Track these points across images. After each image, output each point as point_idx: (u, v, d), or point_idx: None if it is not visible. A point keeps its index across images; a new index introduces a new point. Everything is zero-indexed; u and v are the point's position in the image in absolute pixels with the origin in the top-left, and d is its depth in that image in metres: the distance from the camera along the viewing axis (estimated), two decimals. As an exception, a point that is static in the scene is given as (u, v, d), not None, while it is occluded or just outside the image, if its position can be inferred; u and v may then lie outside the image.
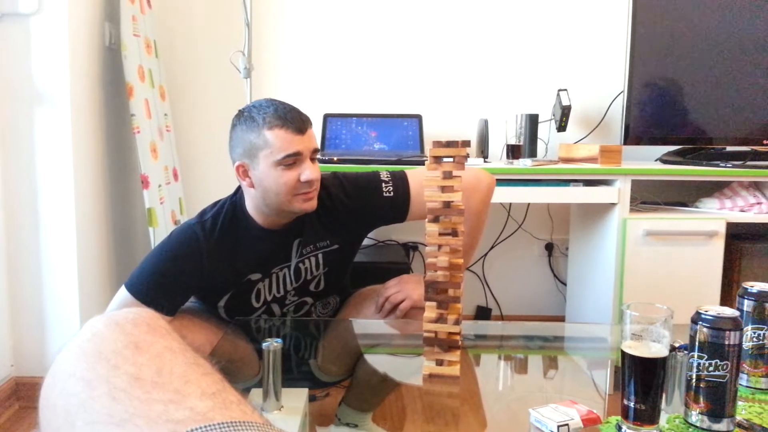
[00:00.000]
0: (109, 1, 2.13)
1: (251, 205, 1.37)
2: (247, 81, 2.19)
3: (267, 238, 1.38)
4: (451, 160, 1.05)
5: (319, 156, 1.39)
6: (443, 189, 1.05)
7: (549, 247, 2.67)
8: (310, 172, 1.29)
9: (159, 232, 2.07)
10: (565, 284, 2.62)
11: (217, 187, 2.53)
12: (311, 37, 2.54)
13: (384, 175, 1.44)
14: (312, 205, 1.34)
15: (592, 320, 2.27)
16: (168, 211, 2.21)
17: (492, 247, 2.65)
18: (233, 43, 2.31)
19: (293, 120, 1.28)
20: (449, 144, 1.04)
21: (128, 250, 2.32)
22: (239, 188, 1.41)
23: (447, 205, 1.06)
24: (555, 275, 2.68)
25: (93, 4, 2.04)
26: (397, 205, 1.42)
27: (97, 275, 2.07)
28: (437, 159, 1.05)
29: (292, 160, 1.28)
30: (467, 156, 1.03)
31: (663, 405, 0.93)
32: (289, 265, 1.41)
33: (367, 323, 1.47)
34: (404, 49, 2.55)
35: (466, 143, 1.04)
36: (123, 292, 1.32)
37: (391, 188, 1.42)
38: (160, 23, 2.43)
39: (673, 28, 2.20)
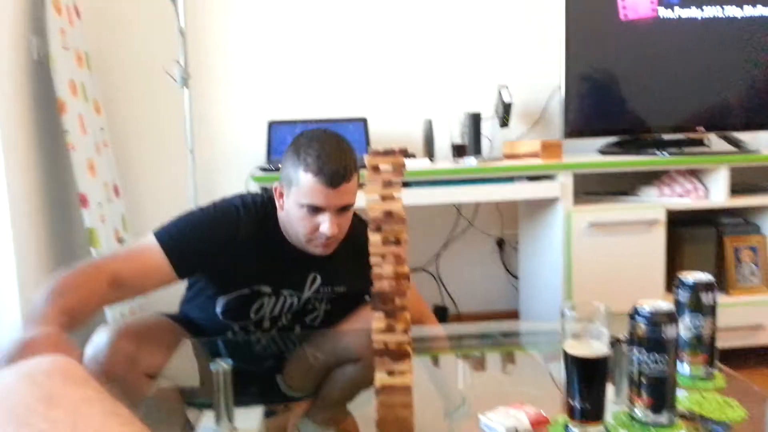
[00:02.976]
0: (33, 13, 2.04)
1: (281, 220, 1.36)
2: (185, 90, 2.14)
3: (288, 254, 1.36)
4: (390, 167, 1.04)
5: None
6: (383, 198, 1.04)
7: (500, 243, 2.70)
8: (329, 227, 1.27)
9: (101, 253, 2.00)
10: (517, 278, 2.66)
11: (162, 199, 2.47)
12: (250, 43, 2.50)
13: None
14: (327, 251, 1.33)
15: (545, 311, 2.31)
16: (111, 229, 2.14)
17: (445, 246, 2.67)
18: (169, 51, 2.25)
19: (328, 173, 1.25)
20: (387, 153, 1.03)
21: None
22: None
23: (388, 214, 1.05)
24: (507, 269, 2.72)
25: (17, 17, 1.95)
26: None
27: (38, 300, 1.98)
28: (375, 168, 1.04)
29: (314, 209, 1.27)
30: (404, 166, 1.03)
31: (613, 398, 0.96)
32: (300, 295, 1.40)
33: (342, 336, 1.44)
34: (346, 52, 2.54)
35: (404, 151, 1.04)
36: (148, 238, 1.28)
37: None
38: (92, 34, 2.34)
39: (605, 19, 2.25)
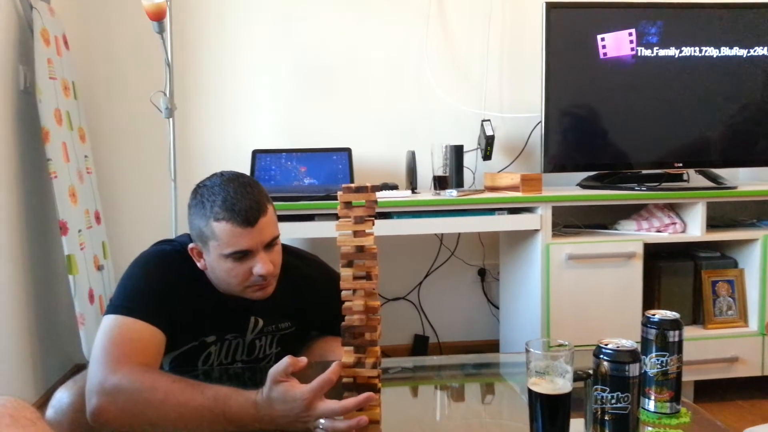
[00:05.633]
0: (23, 44, 2.07)
1: (208, 276, 1.28)
2: (169, 121, 2.16)
3: (225, 304, 1.30)
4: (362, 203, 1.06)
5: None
6: (355, 234, 1.06)
7: (482, 273, 2.71)
8: (263, 266, 1.20)
9: (79, 280, 2.00)
10: (498, 308, 2.67)
11: (143, 227, 2.47)
12: (235, 74, 2.54)
13: None
14: (266, 293, 1.26)
15: (524, 341, 2.31)
16: (90, 256, 2.14)
17: (426, 276, 2.68)
18: (156, 83, 2.28)
19: (241, 211, 1.17)
20: (358, 189, 1.05)
21: (49, 302, 2.22)
22: None
23: (360, 249, 1.07)
24: (488, 299, 2.73)
25: (5, 47, 1.98)
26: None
27: (16, 332, 1.97)
28: (348, 204, 1.06)
29: (241, 255, 1.20)
30: (376, 202, 1.04)
31: (583, 431, 0.96)
32: (243, 338, 1.34)
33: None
34: (330, 82, 2.57)
35: (376, 188, 1.06)
36: (112, 321, 1.14)
37: None
38: (80, 64, 2.38)
39: (585, 57, 2.30)
